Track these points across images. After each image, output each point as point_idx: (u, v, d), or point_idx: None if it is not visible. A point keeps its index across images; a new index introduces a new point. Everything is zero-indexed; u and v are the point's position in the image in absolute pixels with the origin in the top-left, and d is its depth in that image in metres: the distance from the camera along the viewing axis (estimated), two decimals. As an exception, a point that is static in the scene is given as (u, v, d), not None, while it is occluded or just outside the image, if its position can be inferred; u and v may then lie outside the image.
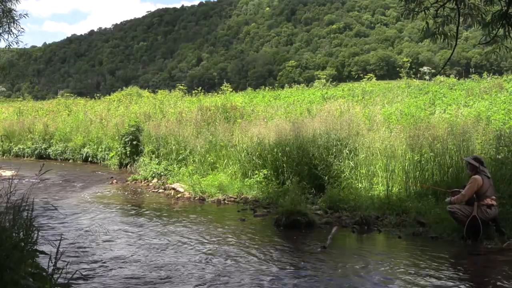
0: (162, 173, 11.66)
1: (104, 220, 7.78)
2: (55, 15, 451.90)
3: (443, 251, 5.90)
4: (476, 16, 6.67)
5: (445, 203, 6.64)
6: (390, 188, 8.02)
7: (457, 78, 27.58)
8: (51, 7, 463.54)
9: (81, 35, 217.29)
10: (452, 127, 8.45)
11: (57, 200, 9.50)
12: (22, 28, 8.17)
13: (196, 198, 9.48)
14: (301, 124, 9.86)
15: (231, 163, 10.46)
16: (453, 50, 7.30)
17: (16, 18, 8.09)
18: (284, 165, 9.28)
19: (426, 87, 19.10)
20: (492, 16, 6.42)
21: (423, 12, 6.86)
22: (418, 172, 7.98)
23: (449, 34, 7.13)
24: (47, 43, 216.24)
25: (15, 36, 8.05)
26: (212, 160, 10.84)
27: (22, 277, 3.10)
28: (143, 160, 12.98)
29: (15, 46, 8.13)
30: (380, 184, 8.28)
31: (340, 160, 8.84)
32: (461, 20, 6.79)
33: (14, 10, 8.14)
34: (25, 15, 8.31)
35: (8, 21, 7.94)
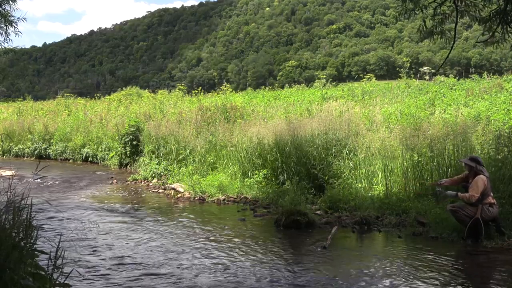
0: (162, 173, 11.66)
1: (104, 220, 7.79)
2: (49, 15, 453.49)
3: (443, 251, 5.89)
4: (473, 13, 6.66)
5: (438, 192, 6.60)
6: (389, 188, 8.02)
7: (457, 78, 27.58)
8: (45, 7, 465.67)
9: (81, 35, 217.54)
10: (452, 127, 8.44)
11: (57, 200, 9.50)
12: (20, 32, 8.14)
13: (196, 198, 9.48)
14: (299, 124, 9.85)
15: (231, 163, 10.45)
16: (451, 49, 7.29)
17: (15, 21, 8.07)
18: (284, 165, 9.28)
19: (426, 87, 19.11)
20: (490, 13, 6.42)
21: (421, 12, 6.85)
22: (417, 173, 7.98)
23: (448, 33, 7.12)
24: (47, 43, 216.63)
25: (9, 38, 8.02)
26: (212, 160, 10.83)
27: (22, 277, 3.10)
28: (143, 160, 12.98)
29: (7, 46, 8.11)
30: (380, 184, 8.27)
31: (340, 160, 8.84)
32: (458, 17, 6.78)
33: (13, 16, 8.12)
34: (23, 19, 8.28)
35: (6, 23, 7.92)
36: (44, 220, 7.48)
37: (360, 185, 8.38)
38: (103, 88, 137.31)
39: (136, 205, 9.06)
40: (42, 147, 18.01)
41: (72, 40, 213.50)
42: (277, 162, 9.42)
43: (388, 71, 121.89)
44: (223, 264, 5.48)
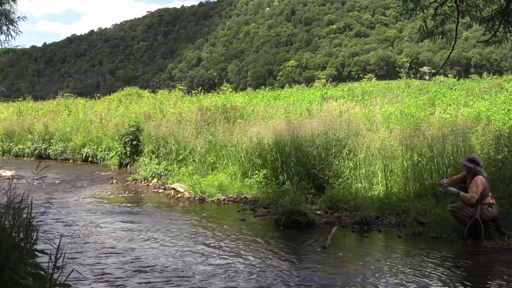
0: (162, 173, 11.66)
1: (104, 220, 7.78)
2: (49, 15, 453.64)
3: (443, 251, 5.90)
4: (474, 13, 6.66)
5: (439, 192, 6.63)
6: (389, 188, 8.02)
7: (457, 78, 27.59)
8: (44, 7, 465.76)
9: (81, 35, 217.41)
10: (452, 127, 8.43)
11: (57, 200, 9.50)
12: (20, 32, 8.11)
13: (196, 198, 9.48)
14: (299, 124, 9.85)
15: (231, 163, 10.45)
16: (452, 49, 7.29)
17: (15, 20, 8.05)
18: (284, 165, 9.28)
19: (426, 87, 19.12)
20: (491, 13, 6.41)
21: (421, 12, 6.84)
22: (417, 173, 7.97)
23: (448, 33, 7.12)
24: (47, 43, 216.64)
25: (12, 36, 8.00)
26: (212, 160, 10.84)
27: (22, 277, 3.10)
28: (143, 160, 12.98)
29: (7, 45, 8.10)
30: (380, 184, 8.27)
31: (340, 160, 8.84)
32: (459, 17, 6.78)
33: (13, 13, 8.11)
34: (23, 18, 8.26)
35: (7, 22, 7.90)
36: (44, 220, 7.47)
37: (360, 185, 8.38)
38: (103, 88, 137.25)
39: (136, 205, 9.06)
40: (42, 147, 18.01)
41: (72, 40, 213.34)
42: (277, 162, 9.42)
43: (388, 71, 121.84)
44: (223, 265, 5.48)
